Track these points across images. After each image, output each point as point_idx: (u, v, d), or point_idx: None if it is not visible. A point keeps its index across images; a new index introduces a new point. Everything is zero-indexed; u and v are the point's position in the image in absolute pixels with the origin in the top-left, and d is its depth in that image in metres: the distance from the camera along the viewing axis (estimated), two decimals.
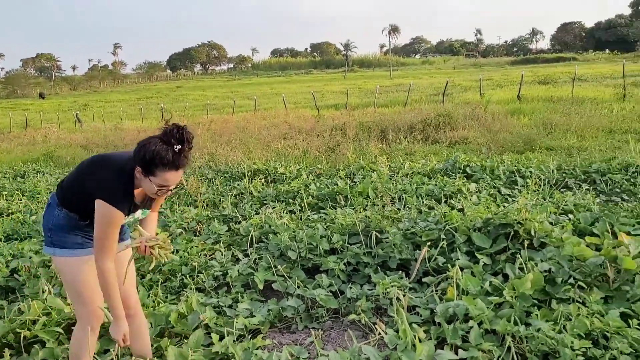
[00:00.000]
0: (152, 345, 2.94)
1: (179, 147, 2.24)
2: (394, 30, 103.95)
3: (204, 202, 6.89)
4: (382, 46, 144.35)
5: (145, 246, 2.50)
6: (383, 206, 5.49)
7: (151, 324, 3.25)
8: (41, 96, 65.60)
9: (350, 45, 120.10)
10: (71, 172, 2.61)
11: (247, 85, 65.40)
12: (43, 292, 3.76)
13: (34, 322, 3.28)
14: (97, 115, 35.11)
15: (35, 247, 5.15)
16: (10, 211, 7.50)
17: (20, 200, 8.19)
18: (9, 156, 15.38)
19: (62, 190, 2.54)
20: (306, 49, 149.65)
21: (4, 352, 3.00)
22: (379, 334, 2.94)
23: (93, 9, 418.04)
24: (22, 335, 3.11)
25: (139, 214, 2.58)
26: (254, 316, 3.43)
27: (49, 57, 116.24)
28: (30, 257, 4.78)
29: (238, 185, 7.62)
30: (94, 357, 2.68)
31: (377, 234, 4.29)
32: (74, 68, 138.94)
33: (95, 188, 2.34)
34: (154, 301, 3.71)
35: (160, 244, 2.53)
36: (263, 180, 7.82)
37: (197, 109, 35.28)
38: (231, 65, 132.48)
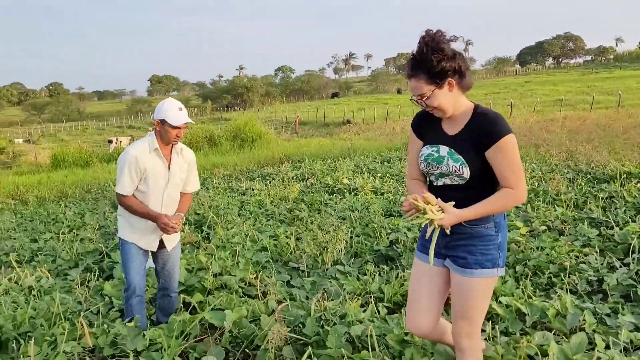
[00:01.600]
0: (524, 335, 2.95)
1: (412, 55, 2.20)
2: None
3: (565, 201, 6.51)
4: None
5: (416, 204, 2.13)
6: None
7: (527, 313, 3.28)
8: (398, 91, 72.78)
9: None
10: None
11: (606, 80, 58.37)
12: None
13: None
14: None
15: (407, 225, 5.79)
16: (382, 191, 8.62)
17: (390, 182, 9.31)
18: (375, 143, 17.64)
19: None
20: None
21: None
22: None
23: (451, 6, 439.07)
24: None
25: (444, 151, 2.24)
26: None
27: (408, 57, 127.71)
28: (404, 233, 5.42)
29: (606, 187, 6.92)
30: None
31: None
32: None
33: None
34: (523, 292, 3.72)
35: (432, 215, 2.10)
36: (638, 185, 6.89)
37: (547, 104, 33.49)
38: (588, 58, 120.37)
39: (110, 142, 34.01)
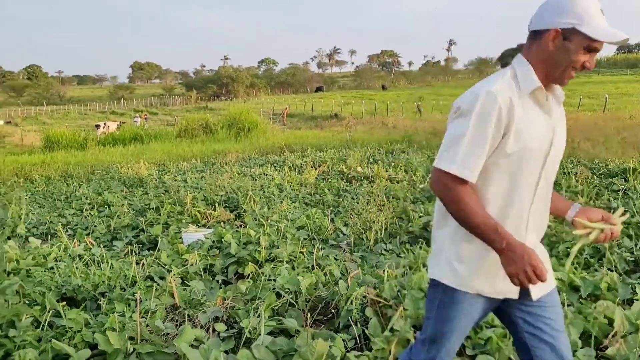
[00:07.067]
0: None
1: None
2: None
3: (583, 194, 6.86)
4: None
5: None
6: None
7: (581, 286, 3.55)
8: (383, 88, 73.35)
9: None
10: None
11: (586, 84, 59.72)
12: None
13: None
14: (435, 107, 37.56)
15: None
16: (397, 179, 8.90)
17: (399, 171, 9.60)
18: (373, 136, 17.91)
19: None
20: None
21: None
22: None
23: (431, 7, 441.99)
24: None
25: None
26: None
27: (391, 54, 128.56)
28: None
29: (616, 181, 7.31)
30: None
31: None
32: (410, 64, 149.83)
33: None
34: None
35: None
36: None
37: None
38: None
39: (97, 126, 33.56)
